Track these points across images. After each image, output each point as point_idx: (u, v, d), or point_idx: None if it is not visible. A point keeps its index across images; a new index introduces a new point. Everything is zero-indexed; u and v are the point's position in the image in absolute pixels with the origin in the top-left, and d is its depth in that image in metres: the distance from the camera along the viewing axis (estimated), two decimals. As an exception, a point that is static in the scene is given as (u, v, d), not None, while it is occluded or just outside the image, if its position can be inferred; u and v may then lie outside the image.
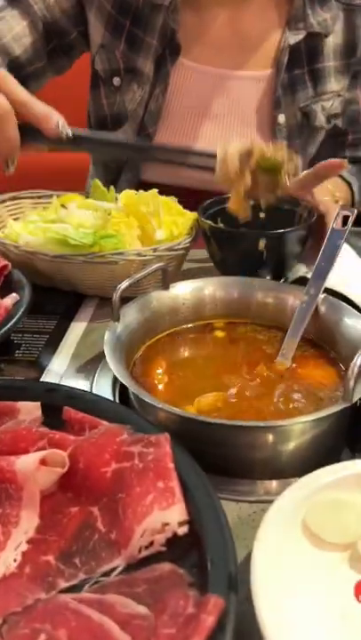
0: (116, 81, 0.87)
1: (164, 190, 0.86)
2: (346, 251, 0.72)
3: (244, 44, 0.86)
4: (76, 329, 0.67)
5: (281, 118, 0.86)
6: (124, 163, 0.91)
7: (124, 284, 0.56)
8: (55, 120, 0.59)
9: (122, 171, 0.92)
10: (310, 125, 0.89)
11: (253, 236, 0.68)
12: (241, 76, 0.86)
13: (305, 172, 0.66)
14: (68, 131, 0.60)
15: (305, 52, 0.85)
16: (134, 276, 0.57)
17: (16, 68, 0.83)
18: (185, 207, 0.76)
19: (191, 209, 0.75)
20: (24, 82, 0.85)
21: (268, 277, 0.71)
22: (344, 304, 0.58)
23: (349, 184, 0.86)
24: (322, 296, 0.60)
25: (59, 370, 0.60)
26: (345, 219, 0.63)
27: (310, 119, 0.88)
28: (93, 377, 0.58)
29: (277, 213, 0.72)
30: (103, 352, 0.54)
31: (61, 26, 0.86)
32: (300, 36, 0.84)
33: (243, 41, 0.86)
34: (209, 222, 0.70)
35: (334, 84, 0.89)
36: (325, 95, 0.88)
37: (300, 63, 0.85)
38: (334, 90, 0.89)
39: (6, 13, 0.83)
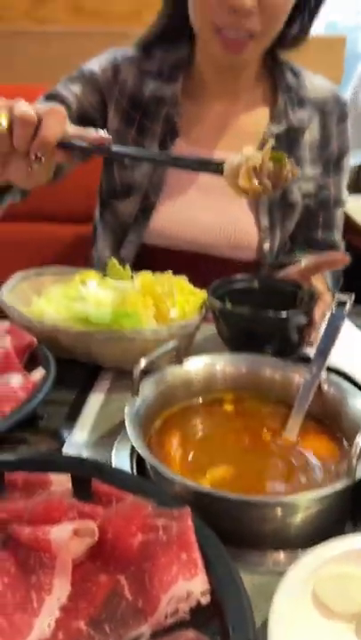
0: (127, 160, 1.00)
1: (166, 254, 0.95)
2: (348, 327, 0.78)
3: (236, 132, 1.01)
4: (95, 400, 0.72)
5: None
6: (129, 226, 1.01)
7: (144, 362, 0.61)
8: (106, 138, 0.68)
9: (126, 235, 1.02)
10: (288, 201, 1.01)
11: (259, 316, 0.74)
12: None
13: (307, 261, 0.73)
14: (109, 146, 0.69)
15: (285, 142, 0.99)
16: (152, 355, 0.62)
17: None
18: (188, 271, 0.83)
19: (193, 273, 0.82)
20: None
21: (271, 355, 0.76)
22: (346, 383, 0.63)
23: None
24: (325, 374, 0.65)
25: (79, 440, 0.64)
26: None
27: (287, 196, 1.01)
28: (112, 448, 0.62)
29: (280, 295, 0.79)
30: (120, 424, 0.59)
31: (90, 114, 1.00)
32: (282, 128, 0.99)
33: (235, 129, 1.01)
34: (218, 303, 0.76)
35: (310, 170, 1.02)
36: (301, 178, 1.02)
37: (282, 150, 0.93)
38: (310, 175, 1.02)
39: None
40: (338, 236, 1.10)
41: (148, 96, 0.98)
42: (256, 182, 0.66)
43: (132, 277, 0.88)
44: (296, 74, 1.02)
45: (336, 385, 0.63)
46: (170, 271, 0.80)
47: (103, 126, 1.03)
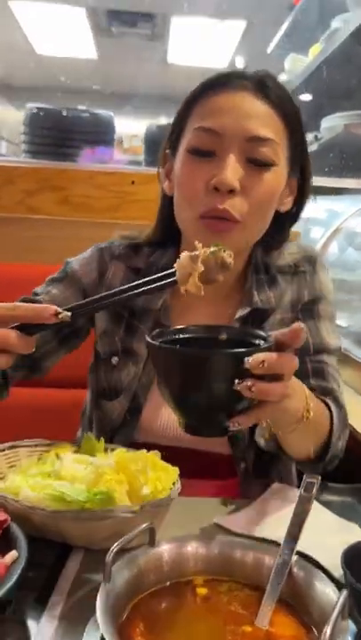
0: (115, 360, 1.00)
1: (153, 448, 0.91)
2: (316, 509, 0.80)
3: (215, 317, 0.99)
4: (64, 583, 0.70)
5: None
6: (118, 426, 1.01)
7: (116, 547, 0.62)
8: (52, 309, 0.69)
9: (115, 433, 1.01)
10: None
11: (183, 354, 0.67)
12: None
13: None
14: (66, 313, 0.70)
15: (251, 322, 0.96)
16: (125, 539, 0.63)
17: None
18: (176, 463, 0.83)
19: (181, 466, 0.82)
20: (39, 361, 0.99)
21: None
22: (316, 569, 0.64)
23: (331, 414, 0.90)
24: (295, 558, 0.66)
25: (48, 630, 0.62)
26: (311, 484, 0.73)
27: None
28: (82, 637, 0.60)
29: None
30: (90, 609, 0.58)
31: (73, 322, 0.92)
32: (246, 311, 0.96)
33: (213, 315, 0.99)
34: (150, 339, 0.69)
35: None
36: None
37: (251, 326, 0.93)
38: None
39: None
40: (334, 384, 0.98)
41: (138, 306, 0.98)
42: (201, 287, 0.69)
43: (105, 450, 0.91)
44: (268, 249, 1.01)
45: (306, 570, 0.64)
46: (144, 450, 0.83)
47: (90, 326, 1.05)
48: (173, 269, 0.71)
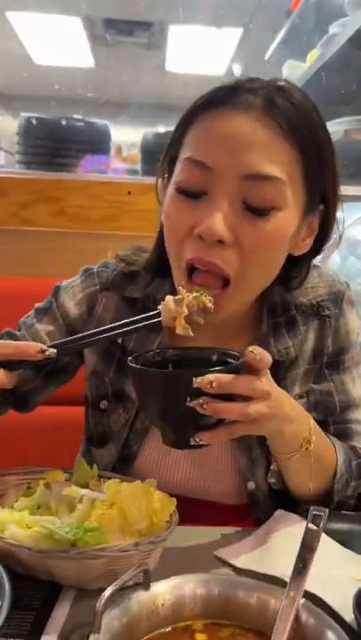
0: (104, 404, 0.91)
1: None
2: (325, 543, 0.74)
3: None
4: (53, 628, 0.65)
5: None
6: (117, 461, 0.93)
7: (108, 593, 0.57)
8: (37, 347, 0.71)
9: (113, 467, 0.93)
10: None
11: (143, 372, 0.71)
12: None
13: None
14: (51, 350, 0.72)
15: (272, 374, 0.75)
16: (117, 583, 0.58)
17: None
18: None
19: (183, 514, 0.76)
20: (25, 397, 0.94)
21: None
22: (326, 616, 0.58)
23: (335, 448, 0.85)
24: (302, 601, 0.61)
25: None
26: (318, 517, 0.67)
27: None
28: None
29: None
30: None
31: (59, 359, 0.82)
32: None
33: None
34: (131, 362, 0.71)
35: (297, 389, 0.89)
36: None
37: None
38: (296, 393, 0.88)
39: None
40: (357, 442, 0.91)
41: (131, 347, 0.89)
42: (188, 328, 0.71)
43: (98, 477, 0.86)
44: (289, 288, 0.88)
45: (315, 615, 0.59)
46: (138, 480, 0.78)
47: (80, 363, 0.97)
48: (158, 311, 0.73)
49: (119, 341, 0.90)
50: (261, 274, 0.78)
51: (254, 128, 0.72)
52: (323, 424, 0.87)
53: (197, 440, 0.69)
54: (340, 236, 0.86)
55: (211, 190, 0.74)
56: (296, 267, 0.87)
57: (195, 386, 0.65)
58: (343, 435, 0.91)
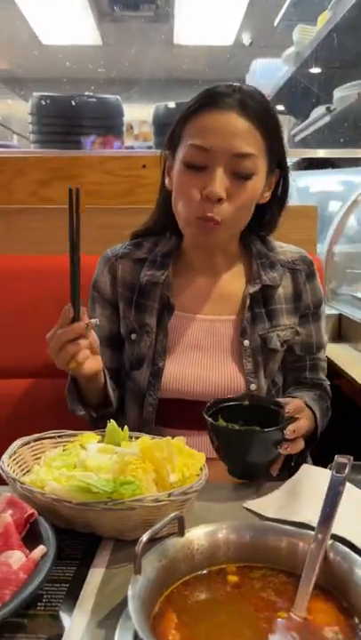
0: (133, 336, 1.17)
1: (180, 403, 1.12)
2: (349, 490, 0.77)
3: (221, 298, 1.17)
4: (95, 576, 0.69)
5: (246, 343, 1.13)
6: (146, 390, 1.15)
7: (145, 537, 0.60)
8: (82, 325, 0.94)
9: (145, 397, 1.15)
10: (268, 347, 1.15)
11: (240, 433, 0.92)
12: (219, 319, 1.16)
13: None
14: (92, 320, 0.96)
15: (261, 298, 1.16)
16: (154, 529, 0.62)
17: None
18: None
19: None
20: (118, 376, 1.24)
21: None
22: (353, 554, 0.62)
23: (313, 413, 1.09)
24: (330, 542, 0.64)
25: (80, 624, 0.61)
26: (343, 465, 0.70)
27: (267, 343, 1.15)
28: (115, 630, 0.59)
29: (265, 411, 0.96)
30: (122, 602, 0.56)
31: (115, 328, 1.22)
32: (257, 287, 1.15)
33: (218, 296, 1.17)
34: (210, 420, 0.90)
35: (286, 319, 1.18)
36: (279, 327, 1.16)
37: (259, 305, 1.16)
38: (286, 324, 1.18)
39: None
40: (322, 374, 1.26)
41: (144, 281, 1.16)
42: None
43: (130, 439, 0.89)
44: (266, 243, 1.22)
45: (343, 555, 0.62)
46: (169, 437, 0.81)
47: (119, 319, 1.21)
48: None
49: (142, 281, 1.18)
50: (243, 216, 1.09)
51: (235, 120, 1.02)
52: (302, 358, 1.23)
53: (275, 471, 0.97)
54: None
55: (210, 165, 1.03)
56: (266, 214, 1.18)
57: (286, 437, 0.91)
58: (314, 368, 1.24)
